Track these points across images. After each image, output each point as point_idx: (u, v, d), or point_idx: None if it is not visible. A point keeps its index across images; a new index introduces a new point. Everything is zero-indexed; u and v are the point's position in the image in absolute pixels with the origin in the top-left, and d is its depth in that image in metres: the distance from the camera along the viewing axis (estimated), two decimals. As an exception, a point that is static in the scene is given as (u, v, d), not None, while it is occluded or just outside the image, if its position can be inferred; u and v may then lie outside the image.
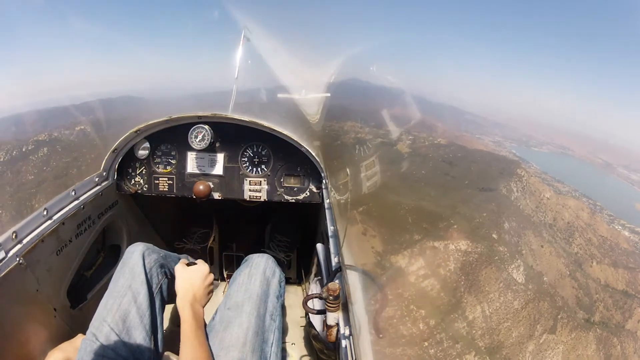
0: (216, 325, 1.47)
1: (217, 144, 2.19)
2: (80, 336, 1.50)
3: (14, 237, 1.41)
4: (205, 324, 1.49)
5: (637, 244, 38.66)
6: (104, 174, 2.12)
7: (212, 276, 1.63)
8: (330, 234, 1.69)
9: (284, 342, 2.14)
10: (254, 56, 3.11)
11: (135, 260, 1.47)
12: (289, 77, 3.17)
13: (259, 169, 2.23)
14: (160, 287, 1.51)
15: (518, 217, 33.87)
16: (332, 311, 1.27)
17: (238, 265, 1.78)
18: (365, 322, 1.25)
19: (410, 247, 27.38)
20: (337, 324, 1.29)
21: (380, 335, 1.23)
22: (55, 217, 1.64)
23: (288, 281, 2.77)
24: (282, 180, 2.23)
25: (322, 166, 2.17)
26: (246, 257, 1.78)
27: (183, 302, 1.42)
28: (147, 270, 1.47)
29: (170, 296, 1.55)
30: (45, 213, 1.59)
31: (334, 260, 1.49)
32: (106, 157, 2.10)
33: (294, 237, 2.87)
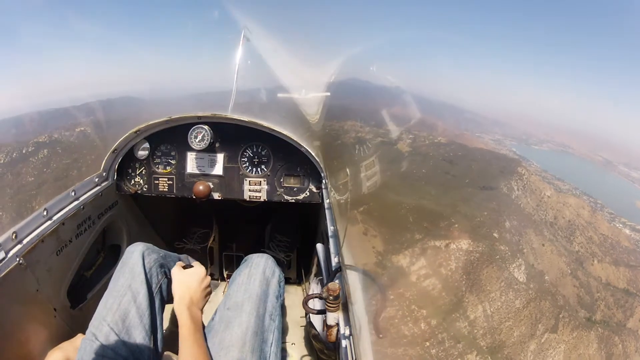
0: (216, 325, 1.47)
1: (217, 144, 2.19)
2: (80, 336, 1.50)
3: (14, 237, 1.42)
4: (204, 326, 1.49)
5: (638, 242, 38.59)
6: (104, 174, 2.12)
7: (209, 278, 1.63)
8: (330, 234, 1.69)
9: (284, 342, 2.14)
10: (254, 56, 3.10)
11: (135, 260, 1.47)
12: (289, 77, 3.17)
13: (258, 169, 2.23)
14: (160, 287, 1.52)
15: (519, 215, 33.84)
16: (332, 311, 1.27)
17: (238, 265, 1.78)
18: (365, 322, 1.25)
19: (411, 247, 27.36)
20: (337, 324, 1.29)
21: (380, 335, 1.23)
22: (55, 218, 1.65)
23: (288, 281, 2.77)
24: (282, 180, 2.23)
25: (322, 166, 2.17)
26: (246, 257, 1.78)
27: (180, 306, 1.42)
28: (147, 270, 1.47)
29: (170, 296, 1.55)
30: (45, 213, 1.60)
31: (334, 260, 1.49)
32: (106, 158, 2.10)
33: (294, 237, 2.86)
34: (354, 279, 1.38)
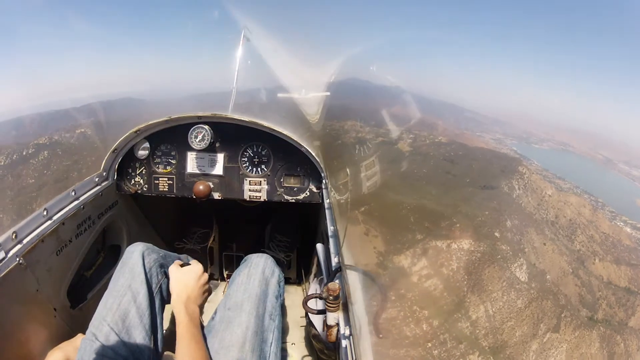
0: (216, 325, 1.47)
1: (217, 144, 2.19)
2: (80, 336, 1.51)
3: (14, 237, 1.42)
4: (203, 324, 1.50)
5: (639, 240, 38.50)
6: (104, 174, 2.12)
7: (206, 276, 1.63)
8: (330, 234, 1.69)
9: (284, 342, 2.14)
10: (254, 56, 3.11)
11: (135, 260, 1.47)
12: (289, 77, 3.17)
13: (259, 169, 2.23)
14: (160, 287, 1.52)
15: (520, 215, 33.78)
16: (332, 311, 1.27)
17: (238, 265, 1.78)
18: (365, 322, 1.24)
19: (412, 247, 27.33)
20: (337, 324, 1.28)
21: (380, 336, 1.22)
22: (55, 218, 1.65)
23: (288, 281, 2.77)
24: (282, 180, 2.23)
25: (322, 166, 2.17)
26: (245, 257, 1.78)
27: (177, 303, 1.43)
28: (147, 270, 1.48)
29: (170, 296, 1.55)
30: (45, 213, 1.60)
31: (334, 260, 1.49)
32: (106, 157, 2.11)
33: (294, 237, 2.86)
34: (354, 279, 1.38)
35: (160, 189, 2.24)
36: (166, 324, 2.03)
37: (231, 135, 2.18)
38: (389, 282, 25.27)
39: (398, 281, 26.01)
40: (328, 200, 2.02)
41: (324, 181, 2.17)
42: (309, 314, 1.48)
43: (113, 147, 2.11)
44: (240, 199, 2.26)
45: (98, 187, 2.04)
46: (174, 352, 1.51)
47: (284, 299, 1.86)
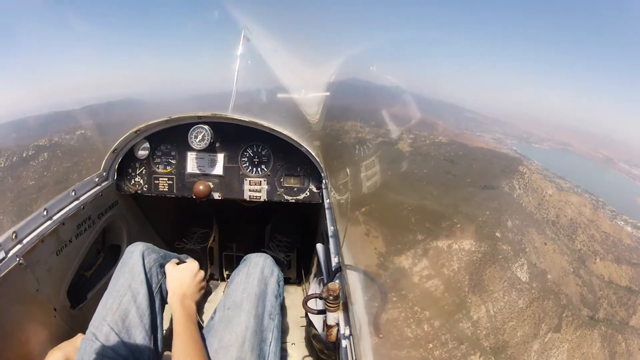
0: (215, 325, 1.47)
1: (217, 144, 2.19)
2: (80, 336, 1.51)
3: (14, 237, 1.42)
4: (202, 324, 1.50)
5: (640, 239, 38.46)
6: (104, 174, 2.12)
7: (202, 273, 1.65)
8: (330, 234, 1.69)
9: (284, 342, 2.13)
10: (254, 56, 3.11)
11: (135, 260, 1.47)
12: (289, 77, 3.17)
13: (259, 169, 2.23)
14: (160, 287, 1.52)
15: (521, 214, 33.75)
16: (332, 311, 1.26)
17: (238, 265, 1.78)
18: (365, 322, 1.24)
19: (413, 248, 27.30)
20: (337, 324, 1.28)
21: (380, 335, 1.22)
22: (55, 218, 1.65)
23: (288, 281, 2.77)
24: (282, 180, 2.23)
25: (322, 166, 2.17)
26: (245, 257, 1.78)
27: (173, 299, 1.45)
28: (147, 270, 1.48)
29: None
30: (45, 213, 1.60)
31: (334, 260, 1.49)
32: (106, 158, 2.11)
33: (294, 237, 2.86)
34: (354, 279, 1.38)
35: (160, 189, 2.24)
36: (166, 324, 2.03)
37: (231, 135, 2.18)
38: (390, 283, 25.25)
39: (399, 282, 25.99)
40: (328, 200, 2.02)
41: (324, 181, 2.17)
42: (309, 314, 1.48)
43: (113, 147, 2.11)
44: (240, 199, 2.26)
45: (98, 187, 2.04)
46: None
47: (283, 299, 1.86)
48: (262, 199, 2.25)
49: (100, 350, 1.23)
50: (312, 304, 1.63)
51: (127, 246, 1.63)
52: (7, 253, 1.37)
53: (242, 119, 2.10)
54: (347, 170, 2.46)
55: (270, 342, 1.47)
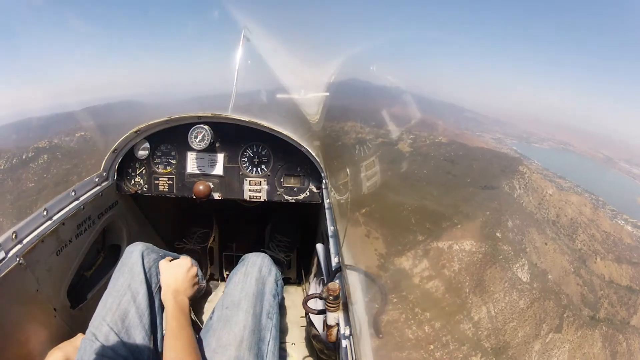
0: (214, 324, 1.47)
1: (217, 144, 2.19)
2: (80, 336, 1.51)
3: (14, 237, 1.42)
4: (202, 322, 1.49)
5: (640, 238, 38.41)
6: (104, 174, 2.12)
7: (195, 269, 1.66)
8: (330, 234, 1.69)
9: (284, 342, 2.13)
10: (254, 56, 3.11)
11: (135, 260, 1.48)
12: (289, 78, 3.18)
13: (259, 169, 2.23)
14: (160, 287, 1.52)
15: (521, 214, 33.74)
16: (332, 311, 1.26)
17: None
18: (365, 322, 1.24)
19: (413, 248, 27.29)
20: (337, 324, 1.28)
21: (381, 336, 1.22)
22: (55, 218, 1.65)
23: (288, 281, 2.76)
24: (282, 180, 2.23)
25: (322, 166, 2.17)
26: (243, 257, 1.78)
27: (166, 294, 1.46)
28: (147, 270, 1.48)
29: None
30: (45, 213, 1.60)
31: (334, 260, 1.48)
32: (106, 158, 2.11)
33: (294, 237, 2.86)
34: (354, 279, 1.38)
35: (160, 189, 2.24)
36: (166, 324, 2.03)
37: (231, 136, 2.18)
38: (391, 284, 25.22)
39: (399, 283, 25.96)
40: (328, 201, 2.02)
41: (324, 181, 2.17)
42: (309, 314, 1.48)
43: (113, 147, 2.11)
44: (240, 199, 2.26)
45: (98, 187, 2.04)
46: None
47: (283, 298, 1.85)
48: (262, 199, 2.24)
49: (100, 350, 1.23)
50: (312, 304, 1.62)
51: (127, 246, 1.64)
52: (7, 253, 1.37)
53: (242, 118, 2.10)
54: (347, 170, 2.46)
55: (269, 342, 1.47)
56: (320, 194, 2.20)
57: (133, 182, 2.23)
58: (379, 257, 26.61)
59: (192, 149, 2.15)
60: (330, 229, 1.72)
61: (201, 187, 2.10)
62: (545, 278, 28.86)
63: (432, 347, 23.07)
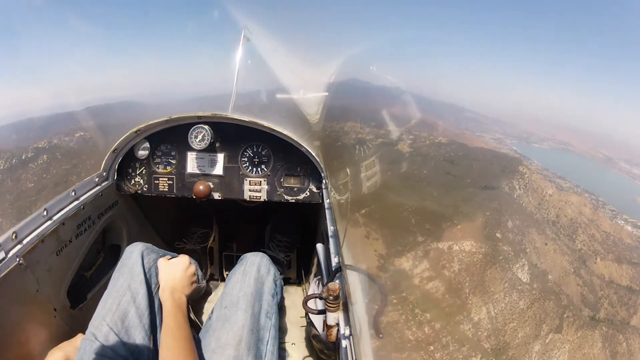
0: (213, 324, 1.47)
1: (217, 144, 2.19)
2: (80, 336, 1.51)
3: (14, 237, 1.42)
4: (201, 322, 1.49)
5: (640, 238, 38.39)
6: (104, 174, 2.12)
7: (193, 267, 1.66)
8: (330, 234, 1.68)
9: (284, 342, 2.13)
10: (254, 56, 3.11)
11: (135, 260, 1.48)
12: (289, 78, 3.18)
13: (259, 169, 2.23)
14: (159, 287, 1.52)
15: (521, 215, 33.74)
16: (332, 311, 1.26)
17: None
18: (365, 322, 1.24)
19: (413, 249, 27.28)
20: (337, 324, 1.28)
21: (380, 335, 1.22)
22: (55, 218, 1.65)
23: (288, 281, 2.76)
24: (282, 180, 2.23)
25: (322, 166, 2.17)
26: (242, 256, 1.78)
27: (164, 292, 1.46)
28: (146, 270, 1.48)
29: None
30: (45, 213, 1.60)
31: (334, 260, 1.48)
32: (106, 158, 2.11)
33: (294, 237, 2.86)
34: (354, 279, 1.38)
35: (160, 189, 2.24)
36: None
37: (231, 135, 2.18)
38: (391, 285, 25.21)
39: (399, 284, 25.95)
40: (328, 201, 2.01)
41: (324, 181, 2.17)
42: (309, 314, 1.48)
43: (113, 147, 2.11)
44: (240, 199, 2.25)
45: (98, 187, 2.04)
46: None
47: (282, 298, 1.85)
48: (262, 199, 2.24)
49: (99, 350, 1.23)
50: (312, 304, 1.62)
51: (127, 246, 1.64)
52: (7, 253, 1.37)
53: (242, 118, 2.10)
54: (347, 170, 2.46)
55: (268, 341, 1.47)
56: (320, 194, 2.20)
57: (133, 182, 2.23)
58: (379, 258, 26.61)
59: (192, 149, 2.15)
60: (330, 229, 1.72)
61: (201, 187, 2.10)
62: (545, 278, 28.85)
63: (432, 348, 23.06)
